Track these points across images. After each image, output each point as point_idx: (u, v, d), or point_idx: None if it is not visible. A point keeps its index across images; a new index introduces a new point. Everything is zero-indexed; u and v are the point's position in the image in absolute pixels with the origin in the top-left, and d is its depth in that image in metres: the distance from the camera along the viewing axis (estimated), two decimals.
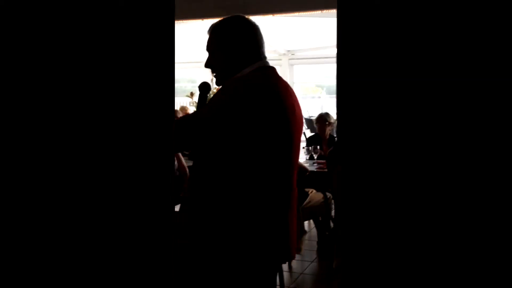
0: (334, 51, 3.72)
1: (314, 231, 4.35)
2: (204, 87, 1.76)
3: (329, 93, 12.47)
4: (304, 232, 4.42)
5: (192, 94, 5.87)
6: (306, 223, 4.42)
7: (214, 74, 1.73)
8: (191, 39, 6.82)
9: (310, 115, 9.96)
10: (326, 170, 3.99)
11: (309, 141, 5.03)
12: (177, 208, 2.24)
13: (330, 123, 4.72)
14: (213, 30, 1.70)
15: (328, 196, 3.97)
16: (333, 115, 4.81)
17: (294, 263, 3.74)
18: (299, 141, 1.73)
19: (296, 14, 6.22)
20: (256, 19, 1.75)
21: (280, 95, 1.60)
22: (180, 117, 1.75)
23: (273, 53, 9.68)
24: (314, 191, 3.98)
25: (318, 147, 4.66)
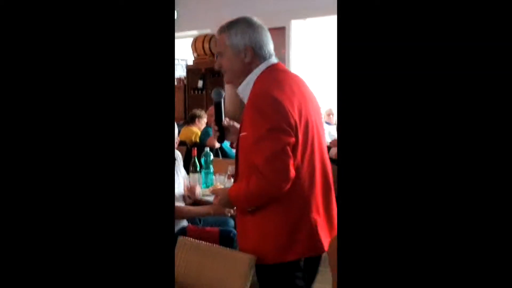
0: None
1: None
2: (218, 93, 1.95)
3: None
4: None
5: None
6: None
7: (224, 74, 1.84)
8: None
9: None
10: None
11: None
12: None
13: None
14: (221, 31, 1.80)
15: None
16: None
17: None
18: (321, 127, 1.87)
19: None
20: None
21: (294, 91, 1.73)
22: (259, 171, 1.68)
23: None
24: None
25: None
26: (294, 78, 1.81)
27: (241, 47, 1.75)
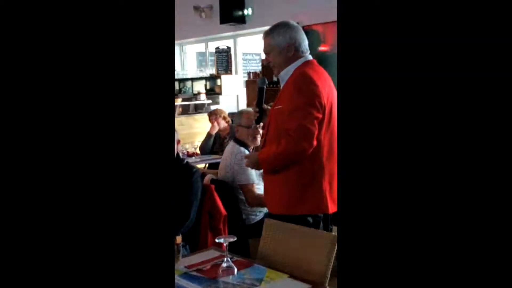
0: None
1: None
2: (263, 80, 2.45)
3: None
4: None
5: None
6: None
7: (273, 68, 2.29)
8: None
9: None
10: None
11: None
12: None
13: None
14: (266, 36, 2.26)
15: None
16: None
17: None
18: None
19: None
20: None
21: (325, 80, 2.19)
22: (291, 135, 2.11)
23: None
24: None
25: None
26: (325, 72, 2.28)
27: (284, 45, 2.20)
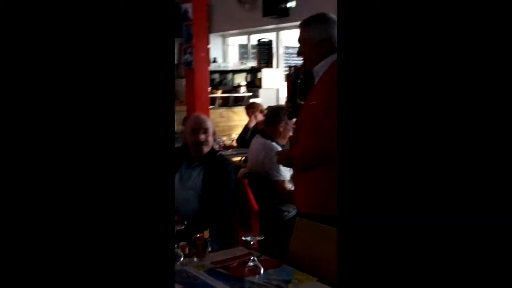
0: None
1: None
2: (297, 75, 2.38)
3: None
4: None
5: None
6: None
7: (305, 61, 2.19)
8: None
9: None
10: None
11: None
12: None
13: None
14: (303, 25, 2.14)
15: None
16: None
17: None
18: None
19: None
20: None
21: None
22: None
23: None
24: None
25: None
26: None
27: (318, 39, 2.09)
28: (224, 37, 8.76)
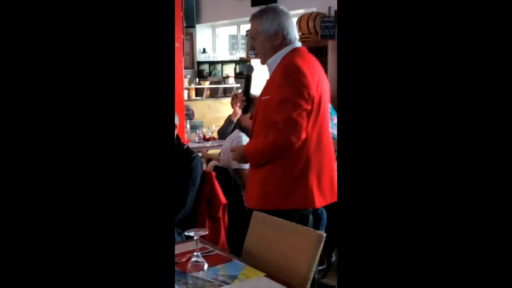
0: None
1: None
2: (249, 67, 2.31)
3: None
4: None
5: None
6: None
7: (258, 55, 2.17)
8: None
9: None
10: None
11: None
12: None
13: None
14: (253, 19, 2.11)
15: None
16: None
17: None
18: (329, 108, 2.19)
19: None
20: None
21: (315, 70, 2.06)
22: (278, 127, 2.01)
23: None
24: None
25: None
26: (315, 60, 2.15)
27: (271, 32, 2.06)
28: (213, 27, 8.68)
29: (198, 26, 8.20)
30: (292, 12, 7.53)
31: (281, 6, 2.14)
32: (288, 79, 1.99)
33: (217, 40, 8.80)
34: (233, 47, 8.77)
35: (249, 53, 7.77)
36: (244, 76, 2.33)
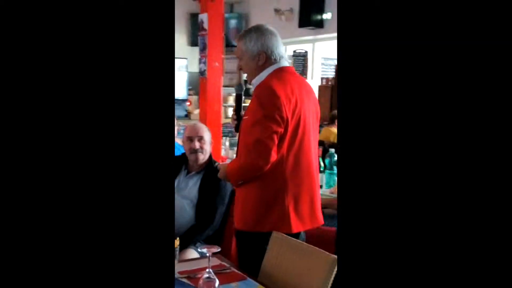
0: None
1: None
2: (239, 87, 2.29)
3: None
4: None
5: None
6: None
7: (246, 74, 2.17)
8: None
9: None
10: None
11: None
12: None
13: None
14: (239, 39, 2.12)
15: None
16: None
17: None
18: (315, 130, 2.16)
19: None
20: None
21: (294, 91, 2.01)
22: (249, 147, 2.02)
23: None
24: None
25: None
26: (300, 81, 2.13)
27: (255, 53, 2.06)
28: None
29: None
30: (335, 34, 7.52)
31: (267, 25, 2.15)
32: (260, 101, 1.98)
33: None
34: None
35: None
36: (235, 95, 2.32)
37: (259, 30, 2.09)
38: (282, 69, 2.09)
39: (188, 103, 7.82)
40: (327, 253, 1.78)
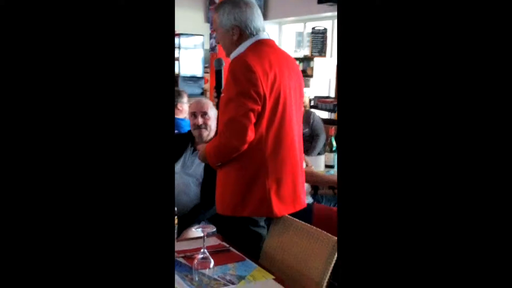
0: None
1: None
2: (218, 62, 2.10)
3: None
4: None
5: None
6: None
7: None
8: None
9: None
10: None
11: None
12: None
13: None
14: (214, 11, 1.98)
15: None
16: None
17: None
18: (298, 107, 2.00)
19: None
20: None
21: (272, 65, 1.84)
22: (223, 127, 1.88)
23: None
24: None
25: None
26: (280, 55, 1.96)
27: (228, 26, 1.92)
28: (280, 24, 8.66)
29: (264, 23, 8.23)
30: None
31: None
32: (234, 76, 1.81)
33: (283, 37, 8.78)
34: (299, 44, 8.72)
35: (313, 51, 7.68)
36: (215, 71, 2.15)
37: (233, 3, 1.93)
38: (260, 42, 1.92)
39: (205, 81, 7.77)
40: (330, 234, 1.70)
